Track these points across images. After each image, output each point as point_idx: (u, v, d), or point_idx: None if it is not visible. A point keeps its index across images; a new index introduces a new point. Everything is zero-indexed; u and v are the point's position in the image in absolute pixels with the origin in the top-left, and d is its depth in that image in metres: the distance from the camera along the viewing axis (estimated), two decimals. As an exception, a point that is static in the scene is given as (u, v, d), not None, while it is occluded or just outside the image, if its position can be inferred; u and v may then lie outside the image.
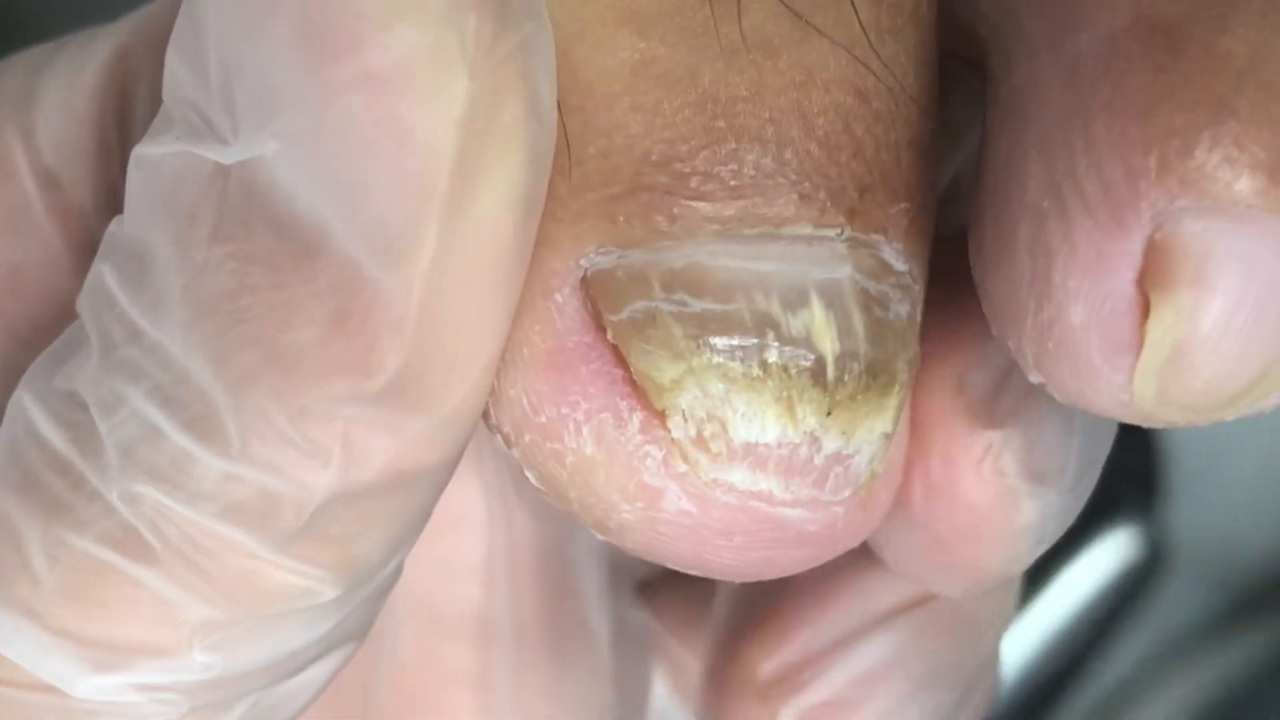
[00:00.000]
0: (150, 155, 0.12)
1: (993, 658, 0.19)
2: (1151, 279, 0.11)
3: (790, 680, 0.17)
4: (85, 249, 0.17)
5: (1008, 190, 0.12)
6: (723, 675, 0.18)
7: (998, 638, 0.18)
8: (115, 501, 0.12)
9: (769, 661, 0.18)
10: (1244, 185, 0.11)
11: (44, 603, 0.12)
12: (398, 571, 0.14)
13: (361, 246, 0.11)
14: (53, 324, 0.16)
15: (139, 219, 0.12)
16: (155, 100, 0.17)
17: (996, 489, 0.15)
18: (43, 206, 0.16)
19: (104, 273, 0.12)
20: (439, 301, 0.11)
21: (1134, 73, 0.11)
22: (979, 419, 0.15)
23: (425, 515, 0.13)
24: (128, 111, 0.17)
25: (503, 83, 0.11)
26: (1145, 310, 0.11)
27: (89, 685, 0.12)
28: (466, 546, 0.21)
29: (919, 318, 0.13)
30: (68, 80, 0.17)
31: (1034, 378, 0.12)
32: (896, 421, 0.13)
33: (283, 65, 0.11)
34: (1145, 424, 0.12)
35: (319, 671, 0.14)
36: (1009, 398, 0.15)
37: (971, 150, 0.16)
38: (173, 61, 0.12)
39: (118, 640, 0.12)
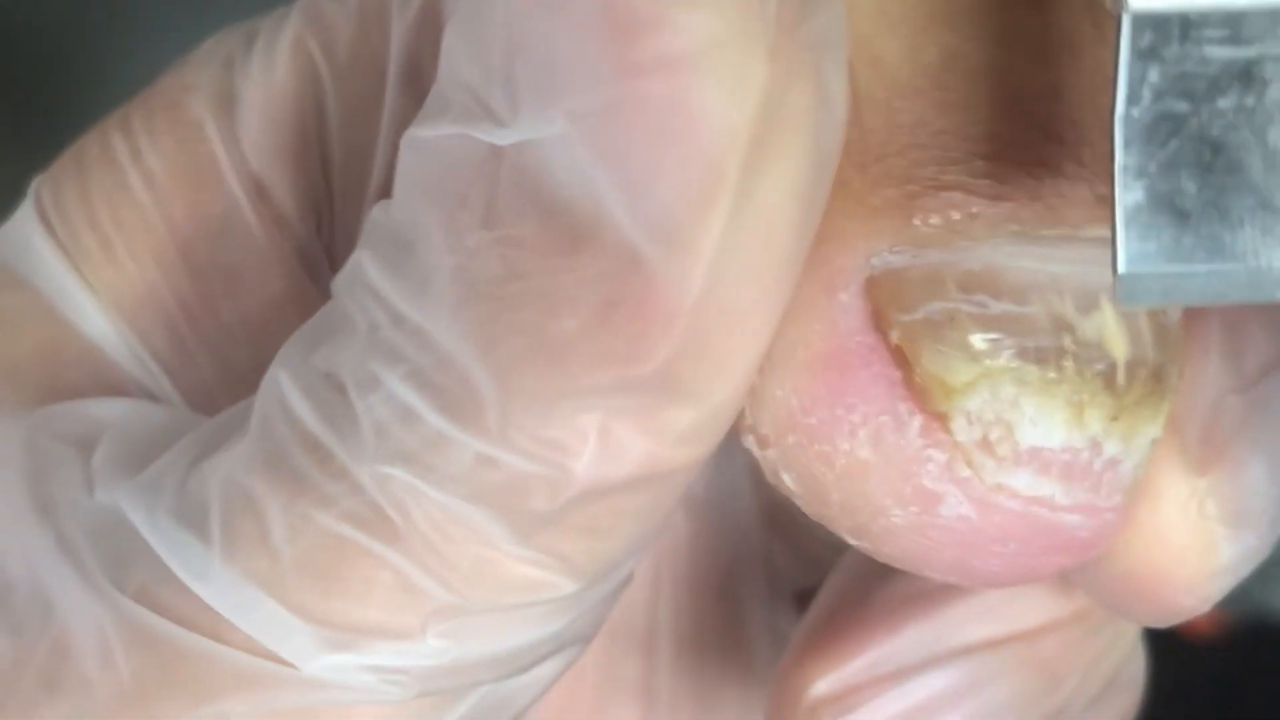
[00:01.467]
0: (424, 138, 0.12)
1: (1080, 707, 0.19)
2: None
3: (841, 702, 0.17)
4: (292, 252, 0.17)
5: None
6: (782, 687, 0.18)
7: (1082, 688, 0.18)
8: (365, 480, 0.12)
9: (823, 680, 0.17)
10: None
11: (282, 577, 0.12)
12: (631, 576, 0.14)
13: (641, 232, 0.11)
14: (263, 320, 0.16)
15: (408, 202, 0.12)
16: (344, 97, 0.16)
17: (1199, 532, 0.15)
18: (252, 213, 0.16)
19: (365, 258, 0.12)
20: (715, 293, 0.11)
21: None
22: (1190, 461, 0.15)
23: (668, 516, 0.13)
24: (324, 112, 0.16)
25: (797, 69, 0.11)
26: None
27: (322, 663, 0.12)
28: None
29: (1181, 323, 0.13)
30: (264, 80, 0.16)
31: None
32: (1163, 427, 0.13)
33: (578, 45, 0.11)
34: None
35: (546, 670, 0.14)
36: (1218, 440, 0.15)
37: None
38: (452, 43, 0.12)
39: (353, 620, 0.12)
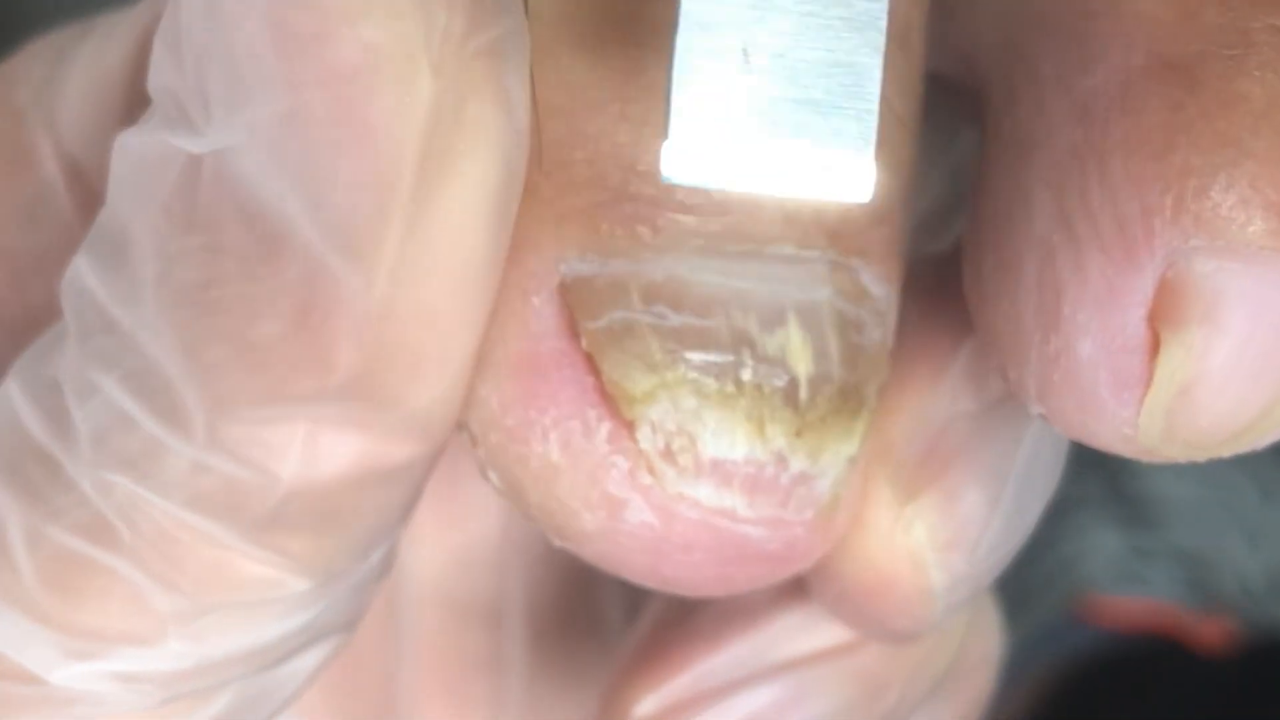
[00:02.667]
0: (131, 143, 0.12)
1: (908, 710, 0.19)
2: (1162, 316, 0.11)
3: None
4: None
5: (1011, 222, 0.12)
6: (606, 706, 0.18)
7: (907, 694, 0.18)
8: (88, 490, 0.12)
9: (647, 699, 0.17)
10: (1257, 227, 0.11)
11: (23, 590, 0.12)
12: (386, 565, 0.14)
13: (324, 241, 0.11)
14: None
15: (119, 207, 0.12)
16: None
17: (904, 556, 0.15)
18: (67, 195, 0.16)
19: (82, 261, 0.12)
20: (403, 299, 0.11)
21: (1150, 111, 0.11)
22: (898, 485, 0.15)
23: (403, 510, 0.13)
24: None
25: (471, 81, 0.11)
26: (1154, 347, 0.11)
27: (66, 673, 0.13)
28: (482, 535, 0.21)
29: (890, 343, 0.13)
30: (93, 67, 0.16)
31: (1034, 409, 0.12)
32: (862, 445, 0.13)
33: (251, 57, 0.11)
34: (1145, 458, 0.12)
35: (304, 663, 0.14)
36: (932, 466, 0.15)
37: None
38: (157, 48, 0.12)
39: (94, 628, 0.12)
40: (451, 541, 0.21)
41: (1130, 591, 0.51)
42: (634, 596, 0.22)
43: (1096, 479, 0.52)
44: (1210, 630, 0.52)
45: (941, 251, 0.16)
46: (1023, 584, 0.51)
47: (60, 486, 0.12)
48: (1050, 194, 0.11)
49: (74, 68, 0.17)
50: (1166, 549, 0.51)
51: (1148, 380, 0.11)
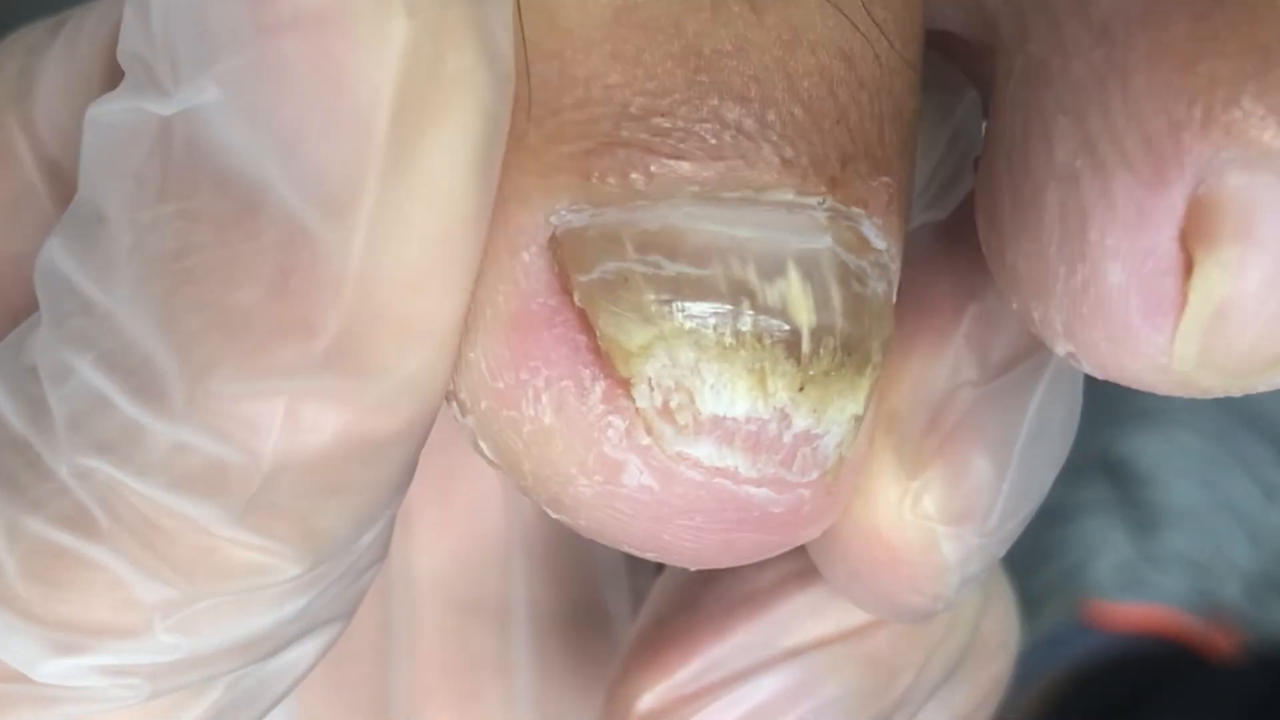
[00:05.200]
0: (100, 115, 0.12)
1: (923, 695, 0.18)
2: (1195, 235, 0.11)
3: (669, 715, 0.17)
4: None
5: (1029, 157, 0.11)
6: (611, 701, 0.18)
7: (921, 679, 0.18)
8: (65, 478, 0.12)
9: (650, 693, 0.17)
10: None
11: (5, 585, 0.12)
12: (379, 551, 0.14)
13: (300, 198, 0.11)
14: None
15: (90, 182, 0.12)
16: None
17: (914, 530, 0.15)
18: (48, 196, 0.16)
19: (55, 242, 0.12)
20: (385, 257, 0.11)
21: (1174, 22, 0.11)
22: (903, 459, 0.14)
23: (394, 488, 0.13)
24: None
25: (449, 25, 0.11)
26: (1187, 268, 0.11)
27: (52, 668, 0.12)
28: (484, 533, 0.21)
29: (894, 299, 0.13)
30: (66, 63, 0.16)
31: (1061, 348, 0.12)
32: (868, 404, 0.12)
33: (222, 4, 0.10)
34: (1180, 391, 0.11)
35: (301, 654, 0.14)
36: (938, 437, 0.14)
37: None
38: (127, 14, 0.11)
39: (79, 621, 0.12)
40: (450, 540, 0.21)
41: (1137, 597, 0.51)
42: (639, 591, 0.21)
43: (1103, 484, 0.52)
44: (1218, 635, 0.52)
45: (941, 219, 0.16)
46: (1030, 589, 0.50)
47: (38, 476, 0.12)
48: (1071, 120, 0.11)
49: (46, 64, 0.16)
50: (1172, 554, 0.51)
51: (1182, 303, 0.11)
